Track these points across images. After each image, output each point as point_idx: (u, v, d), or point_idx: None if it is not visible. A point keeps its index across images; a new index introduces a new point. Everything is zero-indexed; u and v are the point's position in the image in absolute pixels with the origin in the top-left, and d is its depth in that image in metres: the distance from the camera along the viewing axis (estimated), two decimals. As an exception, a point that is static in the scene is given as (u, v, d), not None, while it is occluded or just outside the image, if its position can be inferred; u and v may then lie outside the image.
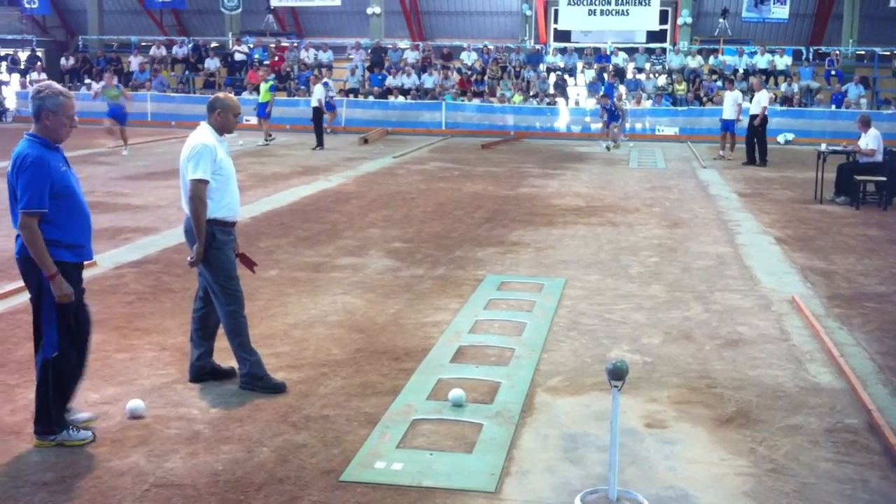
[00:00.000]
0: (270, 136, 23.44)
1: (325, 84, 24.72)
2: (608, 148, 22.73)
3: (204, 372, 5.85)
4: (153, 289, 8.29)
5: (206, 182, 5.49)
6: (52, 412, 4.80)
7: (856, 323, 7.47)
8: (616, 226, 11.83)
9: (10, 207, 4.70)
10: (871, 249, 10.57)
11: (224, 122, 5.69)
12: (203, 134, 5.63)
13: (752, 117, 19.86)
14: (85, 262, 4.95)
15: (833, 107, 25.67)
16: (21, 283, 8.09)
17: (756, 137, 19.70)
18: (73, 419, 4.98)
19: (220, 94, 5.87)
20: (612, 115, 23.96)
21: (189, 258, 5.68)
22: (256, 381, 5.69)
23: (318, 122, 22.15)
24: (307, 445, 4.90)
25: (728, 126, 20.95)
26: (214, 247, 5.59)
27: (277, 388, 5.68)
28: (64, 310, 4.74)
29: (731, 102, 20.97)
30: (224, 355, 5.97)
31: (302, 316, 7.43)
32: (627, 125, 25.09)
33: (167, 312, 7.48)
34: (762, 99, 19.92)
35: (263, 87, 24.10)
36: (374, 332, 7.01)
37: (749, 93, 25.77)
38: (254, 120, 26.95)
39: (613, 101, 24.36)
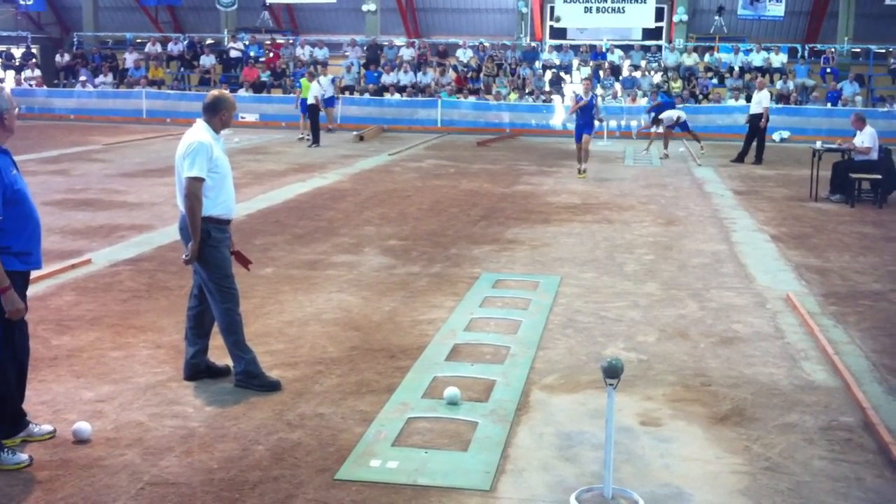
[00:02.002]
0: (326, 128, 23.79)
1: (333, 81, 24.62)
2: (580, 171, 16.62)
3: (199, 370, 5.84)
4: (148, 286, 8.28)
5: (201, 180, 5.48)
6: None
7: (851, 321, 7.48)
8: (612, 223, 11.83)
9: None
10: (867, 247, 10.59)
11: (228, 120, 5.73)
12: (199, 131, 5.61)
13: (753, 116, 19.85)
14: (32, 272, 4.77)
15: (829, 104, 25.68)
16: None
17: (756, 136, 19.70)
18: (34, 432, 4.85)
19: (218, 93, 5.81)
20: (589, 116, 16.55)
21: (184, 255, 5.67)
22: (251, 379, 5.69)
23: (315, 119, 22.11)
24: (302, 444, 4.90)
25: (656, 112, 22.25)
26: (209, 244, 5.58)
27: (272, 387, 5.68)
28: (8, 323, 4.52)
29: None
30: (219, 353, 5.96)
31: (297, 314, 7.42)
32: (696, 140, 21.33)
33: (162, 310, 7.46)
34: (763, 99, 19.90)
35: (324, 80, 24.11)
36: (370, 330, 7.00)
37: (745, 90, 25.90)
38: (249, 117, 27.01)
39: (595, 101, 16.85)
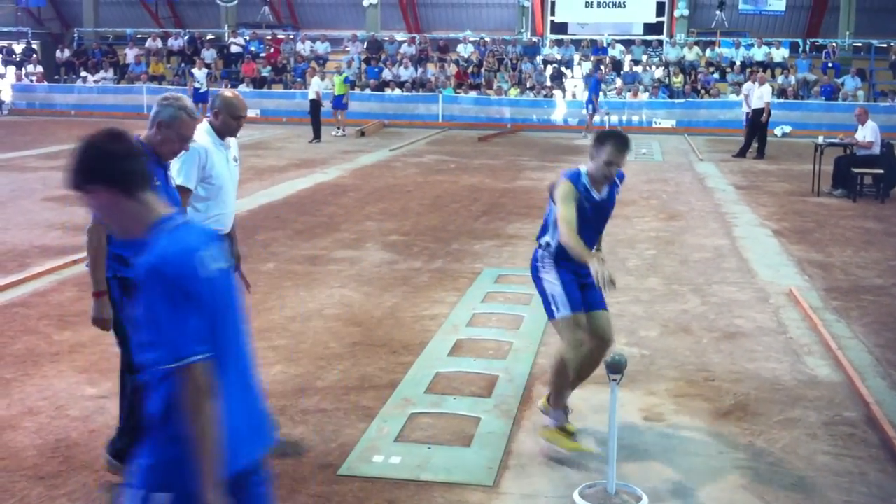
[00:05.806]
0: (340, 128, 23.50)
1: (347, 81, 24.42)
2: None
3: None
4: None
5: (188, 190, 4.86)
6: None
7: (853, 315, 7.46)
8: (613, 218, 11.75)
9: None
10: (869, 242, 10.57)
11: (221, 125, 5.05)
12: (197, 134, 4.92)
13: (754, 111, 19.79)
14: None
15: (822, 98, 25.59)
16: (15, 277, 8.11)
17: (757, 131, 19.66)
18: None
19: (225, 92, 5.29)
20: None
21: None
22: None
23: (316, 114, 22.06)
24: (305, 439, 4.89)
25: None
26: None
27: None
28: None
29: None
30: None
31: (299, 309, 7.40)
32: None
33: (164, 306, 7.43)
34: (765, 94, 19.85)
35: (338, 79, 24.05)
36: (372, 326, 6.99)
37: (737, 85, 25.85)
38: (250, 113, 26.87)
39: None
